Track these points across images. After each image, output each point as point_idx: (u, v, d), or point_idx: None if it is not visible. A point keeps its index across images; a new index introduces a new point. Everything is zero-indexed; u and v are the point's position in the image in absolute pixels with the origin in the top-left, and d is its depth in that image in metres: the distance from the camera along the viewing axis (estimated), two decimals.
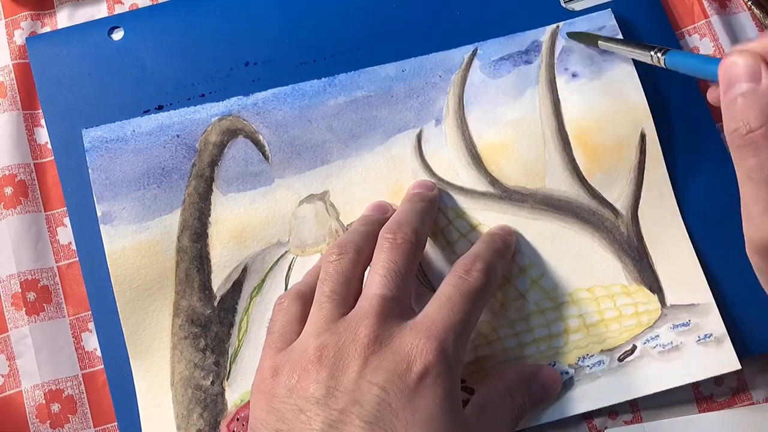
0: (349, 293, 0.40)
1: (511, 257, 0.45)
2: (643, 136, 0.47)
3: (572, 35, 0.48)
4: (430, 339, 0.37)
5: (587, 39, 0.48)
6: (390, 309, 0.38)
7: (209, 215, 0.46)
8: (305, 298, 0.41)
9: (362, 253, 0.41)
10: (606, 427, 0.44)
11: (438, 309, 0.38)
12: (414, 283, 0.42)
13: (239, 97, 0.47)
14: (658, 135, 0.47)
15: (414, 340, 0.37)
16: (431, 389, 0.36)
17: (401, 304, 0.39)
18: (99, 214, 0.45)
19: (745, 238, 0.35)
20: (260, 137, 0.47)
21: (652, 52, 0.43)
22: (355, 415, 0.35)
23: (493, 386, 0.42)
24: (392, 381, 0.35)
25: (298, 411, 0.35)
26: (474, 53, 0.48)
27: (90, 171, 0.46)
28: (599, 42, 0.47)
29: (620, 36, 0.48)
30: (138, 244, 0.45)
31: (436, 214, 0.45)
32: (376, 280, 0.39)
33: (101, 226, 0.45)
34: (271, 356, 0.39)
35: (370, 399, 0.35)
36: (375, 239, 0.41)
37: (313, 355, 0.37)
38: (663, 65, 0.42)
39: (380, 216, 0.45)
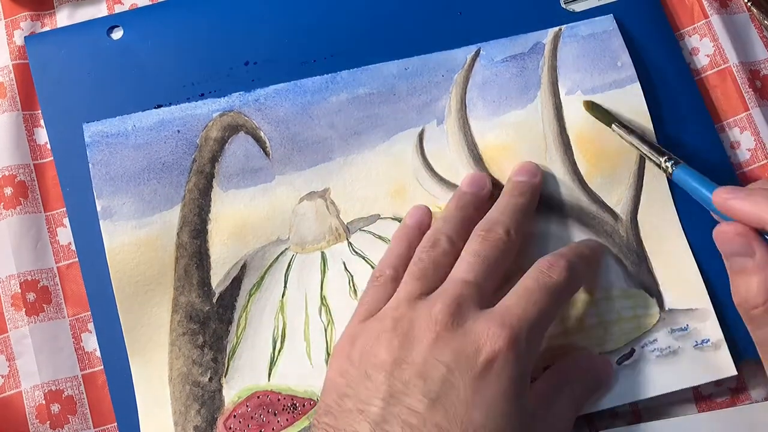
0: (437, 277, 0.40)
1: (596, 267, 0.45)
2: None
3: (589, 107, 0.47)
4: (504, 327, 0.37)
5: (603, 116, 0.46)
6: (470, 294, 0.38)
7: (209, 211, 0.46)
8: (399, 282, 0.41)
9: (455, 245, 0.42)
10: (606, 427, 0.44)
11: (516, 300, 0.39)
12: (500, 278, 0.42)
13: (240, 93, 0.47)
14: (658, 141, 0.47)
15: (486, 325, 0.37)
16: (497, 376, 0.36)
17: (482, 291, 0.39)
18: (99, 209, 0.45)
19: None
20: (261, 133, 0.47)
21: (663, 159, 0.43)
22: (418, 389, 0.35)
23: (552, 379, 0.42)
24: (459, 362, 0.36)
25: (366, 377, 0.37)
26: (477, 53, 0.48)
27: (90, 166, 0.46)
28: (613, 125, 0.46)
29: (621, 39, 0.48)
30: (137, 239, 0.45)
31: (535, 204, 0.45)
32: (461, 265, 0.40)
33: (101, 222, 0.45)
34: (354, 324, 0.40)
35: (434, 375, 0.36)
36: (470, 225, 0.42)
37: (389, 325, 0.38)
38: (669, 175, 0.43)
39: (476, 196, 0.45)
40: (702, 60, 0.51)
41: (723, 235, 0.37)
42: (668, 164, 0.43)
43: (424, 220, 0.45)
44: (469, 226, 0.42)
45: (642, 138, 0.45)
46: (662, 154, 0.44)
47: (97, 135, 0.46)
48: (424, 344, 0.37)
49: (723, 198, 0.38)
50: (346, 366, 0.38)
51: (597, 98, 0.47)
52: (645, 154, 0.45)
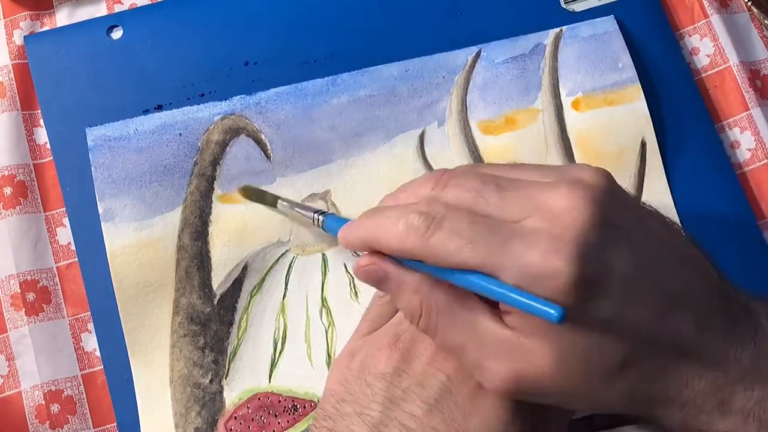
0: None
1: None
2: (643, 144, 0.47)
3: (246, 194, 0.46)
4: None
5: (262, 198, 0.46)
6: None
7: (210, 213, 0.46)
8: None
9: None
10: (605, 427, 0.44)
11: None
12: None
13: (242, 96, 0.47)
14: (658, 143, 0.47)
15: None
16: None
17: None
18: (100, 211, 0.45)
19: None
20: (262, 136, 0.47)
21: (315, 214, 0.42)
22: (416, 395, 0.36)
23: None
24: (459, 372, 0.36)
25: (365, 385, 0.37)
26: (478, 55, 0.48)
27: (93, 169, 0.46)
28: (278, 202, 0.45)
29: (622, 40, 0.48)
30: (139, 241, 0.45)
31: None
32: None
33: (102, 224, 0.45)
34: (356, 338, 0.40)
35: (434, 383, 0.36)
36: None
37: (391, 339, 0.38)
38: (321, 227, 0.42)
39: None
40: (702, 60, 0.51)
41: (356, 271, 0.36)
42: (319, 218, 0.42)
43: None
44: None
45: (299, 204, 0.45)
46: (313, 211, 0.43)
47: (99, 139, 0.46)
48: (424, 358, 0.37)
49: (340, 236, 0.37)
50: (346, 375, 0.38)
51: (597, 98, 0.48)
52: (305, 216, 0.44)
